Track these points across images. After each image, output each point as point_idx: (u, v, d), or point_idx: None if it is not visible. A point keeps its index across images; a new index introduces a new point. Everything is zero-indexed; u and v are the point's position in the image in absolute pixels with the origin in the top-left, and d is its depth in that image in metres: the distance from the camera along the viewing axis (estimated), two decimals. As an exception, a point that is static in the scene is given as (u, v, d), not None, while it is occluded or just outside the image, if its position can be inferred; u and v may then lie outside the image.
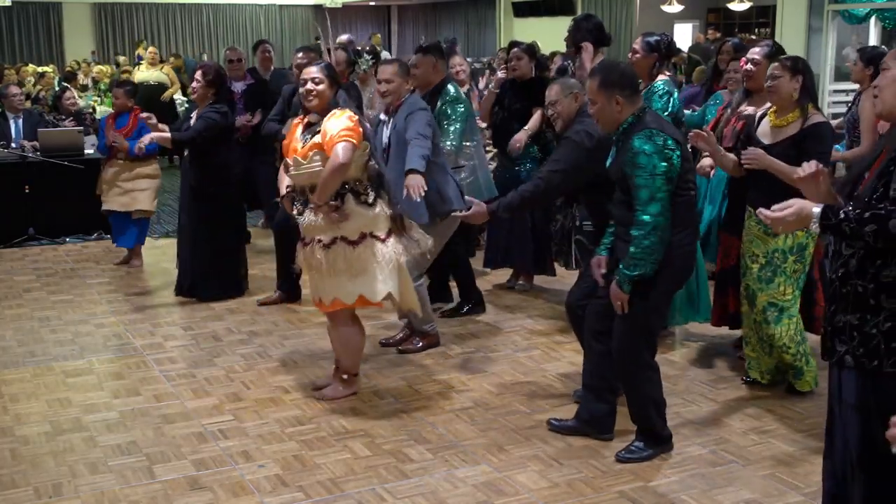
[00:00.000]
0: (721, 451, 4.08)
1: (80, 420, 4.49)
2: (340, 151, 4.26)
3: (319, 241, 4.43)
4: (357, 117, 4.42)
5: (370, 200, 4.41)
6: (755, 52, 4.86)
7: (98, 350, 5.54)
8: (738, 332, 5.19)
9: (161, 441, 4.25)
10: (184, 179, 6.56)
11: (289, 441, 4.24)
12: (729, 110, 5.11)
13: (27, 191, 8.21)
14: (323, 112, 4.44)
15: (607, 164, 3.96)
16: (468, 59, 9.69)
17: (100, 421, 4.48)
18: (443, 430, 4.34)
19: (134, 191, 7.44)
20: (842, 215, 2.53)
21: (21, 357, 5.42)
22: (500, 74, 6.61)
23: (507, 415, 4.52)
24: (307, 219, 4.43)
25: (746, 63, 4.90)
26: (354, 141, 4.30)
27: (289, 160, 4.49)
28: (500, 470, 3.94)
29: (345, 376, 4.70)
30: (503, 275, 6.92)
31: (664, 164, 3.67)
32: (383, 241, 4.43)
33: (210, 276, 6.51)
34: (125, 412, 4.59)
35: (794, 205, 2.60)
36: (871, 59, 5.85)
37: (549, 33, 17.20)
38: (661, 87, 5.18)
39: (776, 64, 4.42)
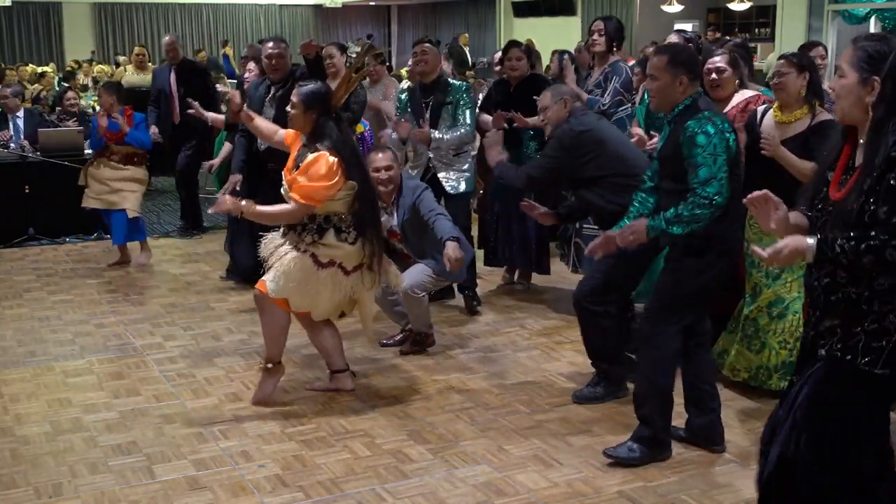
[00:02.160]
0: (721, 451, 4.07)
1: (80, 420, 4.49)
2: (292, 207, 4.34)
3: (295, 246, 4.48)
4: (337, 160, 4.32)
5: (351, 239, 4.42)
6: (720, 62, 4.87)
7: (98, 350, 5.54)
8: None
9: (161, 441, 4.25)
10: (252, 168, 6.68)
11: (289, 441, 4.24)
12: None
13: (27, 191, 8.22)
14: (308, 133, 4.44)
15: (657, 147, 3.98)
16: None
17: (100, 421, 4.48)
18: (443, 430, 4.34)
19: (123, 190, 7.47)
20: (837, 248, 2.54)
21: (21, 357, 5.42)
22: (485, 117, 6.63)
23: (507, 415, 4.52)
24: (290, 236, 4.49)
25: (711, 73, 4.88)
26: (312, 203, 4.31)
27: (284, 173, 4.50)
28: (500, 470, 3.94)
29: (269, 365, 4.65)
30: (498, 275, 6.93)
31: (723, 145, 3.68)
32: (347, 273, 4.47)
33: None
34: (125, 412, 4.59)
35: (788, 244, 2.62)
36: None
37: (549, 33, 17.22)
38: None
39: (782, 61, 4.45)
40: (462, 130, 5.96)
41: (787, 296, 4.46)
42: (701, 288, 3.87)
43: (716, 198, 3.66)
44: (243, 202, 4.38)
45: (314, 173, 4.29)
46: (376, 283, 4.59)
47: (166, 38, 8.90)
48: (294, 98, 4.44)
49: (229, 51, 21.89)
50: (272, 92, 6.31)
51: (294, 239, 4.48)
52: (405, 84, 7.93)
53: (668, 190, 3.87)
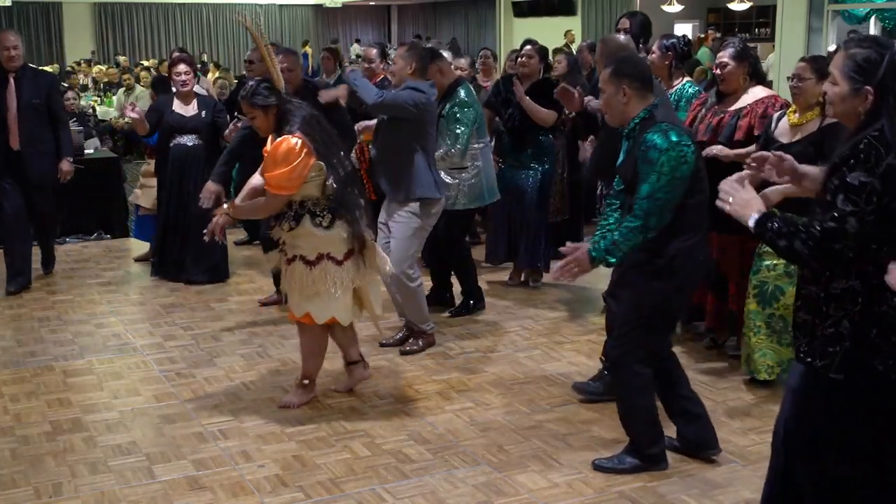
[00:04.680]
0: (721, 451, 4.07)
1: (80, 420, 4.49)
2: (265, 200, 4.36)
3: (283, 252, 4.48)
4: (301, 140, 4.20)
5: (326, 223, 4.34)
6: (723, 56, 4.88)
7: (98, 350, 5.54)
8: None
9: (161, 441, 4.25)
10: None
11: (289, 441, 4.24)
12: (704, 108, 5.10)
13: (27, 191, 8.19)
14: (274, 132, 4.35)
15: (619, 164, 3.81)
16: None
17: (100, 421, 4.48)
18: (443, 430, 4.34)
19: (143, 186, 7.64)
20: (768, 225, 2.59)
21: (21, 357, 5.42)
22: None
23: (507, 415, 4.52)
24: (275, 233, 4.48)
25: (716, 67, 4.92)
26: (277, 193, 4.26)
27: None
28: (500, 470, 3.94)
29: (305, 381, 4.66)
30: (503, 274, 6.93)
31: (673, 163, 3.53)
32: (340, 263, 4.38)
33: (201, 260, 6.89)
34: (125, 412, 4.59)
35: (742, 193, 2.68)
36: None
37: (550, 33, 17.22)
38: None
39: (804, 64, 4.45)
40: (448, 150, 5.67)
41: None
42: (665, 310, 3.76)
43: (650, 218, 3.53)
44: (225, 206, 4.43)
45: (277, 158, 4.20)
46: (370, 266, 4.47)
47: (7, 36, 6.57)
48: (246, 109, 4.35)
49: (308, 49, 22.58)
50: None
51: (279, 234, 4.45)
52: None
53: (629, 205, 3.68)
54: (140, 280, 7.23)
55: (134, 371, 5.18)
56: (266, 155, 4.32)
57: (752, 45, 16.05)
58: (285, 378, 5.01)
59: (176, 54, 7.77)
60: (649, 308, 3.71)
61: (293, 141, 4.20)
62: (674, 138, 3.54)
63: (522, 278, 6.85)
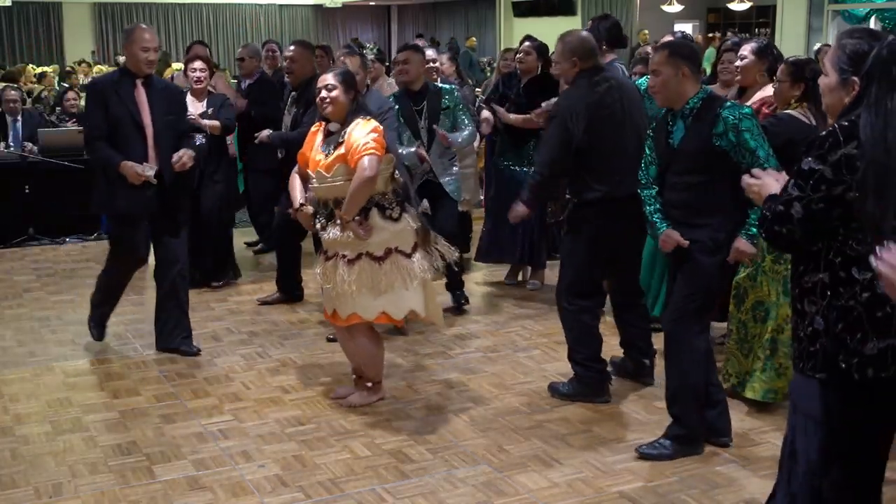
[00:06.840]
0: (721, 451, 4.07)
1: (80, 420, 4.49)
2: (367, 164, 4.10)
3: (344, 256, 4.30)
4: (382, 127, 4.32)
5: (395, 215, 4.29)
6: (744, 49, 4.91)
7: (98, 350, 5.54)
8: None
9: (161, 441, 4.25)
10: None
11: (289, 441, 4.24)
12: None
13: (27, 191, 8.21)
14: (342, 120, 4.32)
15: (675, 142, 3.88)
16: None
17: (100, 421, 4.48)
18: (443, 430, 4.34)
19: None
20: (764, 207, 2.59)
21: (21, 357, 5.42)
22: (486, 114, 6.58)
23: (507, 415, 4.52)
24: (331, 234, 4.30)
25: (737, 60, 4.96)
26: (379, 153, 4.16)
27: (310, 172, 4.38)
28: (500, 470, 3.94)
29: (369, 384, 4.60)
30: (503, 274, 6.93)
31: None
32: (409, 256, 4.33)
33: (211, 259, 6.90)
34: (125, 412, 4.59)
35: (765, 179, 2.66)
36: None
37: (549, 33, 17.22)
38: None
39: (783, 67, 4.46)
40: (468, 131, 5.87)
41: (767, 299, 4.43)
42: (721, 284, 3.99)
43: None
44: (357, 226, 4.20)
45: (364, 136, 4.17)
46: (434, 259, 4.42)
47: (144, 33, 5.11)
48: (333, 79, 4.31)
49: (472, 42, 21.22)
50: (289, 97, 6.16)
51: (344, 240, 4.26)
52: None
53: (689, 184, 3.84)
54: (140, 280, 7.22)
55: (134, 371, 5.18)
56: (347, 137, 4.23)
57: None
58: (285, 378, 5.01)
59: (195, 50, 7.71)
60: (713, 284, 3.91)
61: (373, 123, 4.27)
62: (748, 108, 3.85)
63: (520, 277, 6.85)
